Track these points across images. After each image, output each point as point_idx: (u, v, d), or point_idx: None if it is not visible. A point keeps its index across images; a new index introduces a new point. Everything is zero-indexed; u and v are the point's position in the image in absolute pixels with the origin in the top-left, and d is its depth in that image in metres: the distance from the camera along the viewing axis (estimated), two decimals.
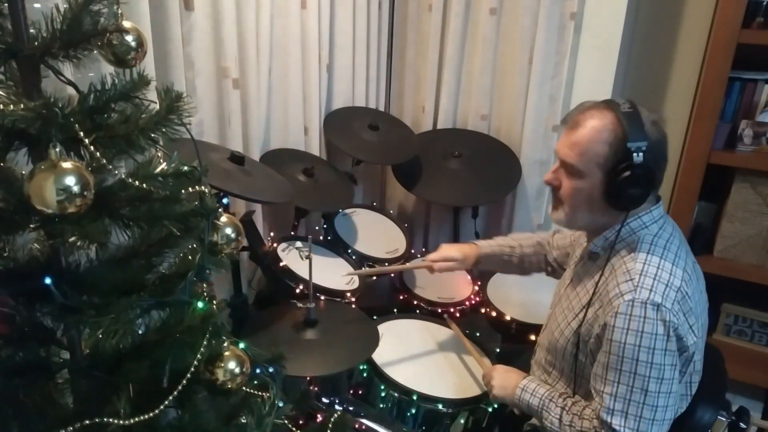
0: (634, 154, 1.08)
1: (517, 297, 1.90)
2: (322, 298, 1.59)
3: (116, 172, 0.74)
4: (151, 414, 0.78)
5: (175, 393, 0.81)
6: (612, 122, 1.11)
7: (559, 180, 1.19)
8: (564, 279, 1.39)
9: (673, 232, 1.18)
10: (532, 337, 1.72)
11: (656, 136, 1.11)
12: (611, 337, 1.09)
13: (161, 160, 0.78)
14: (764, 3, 1.79)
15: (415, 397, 1.46)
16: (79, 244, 0.73)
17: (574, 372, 1.24)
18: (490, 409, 1.50)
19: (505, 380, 1.34)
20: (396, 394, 1.49)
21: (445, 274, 2.08)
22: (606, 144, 1.11)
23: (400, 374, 1.52)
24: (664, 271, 1.10)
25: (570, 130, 1.16)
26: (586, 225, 1.25)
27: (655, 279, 1.08)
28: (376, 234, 2.03)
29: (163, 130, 0.76)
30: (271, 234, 1.89)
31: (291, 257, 1.70)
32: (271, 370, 1.02)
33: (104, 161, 0.71)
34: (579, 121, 1.15)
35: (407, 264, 1.89)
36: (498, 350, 1.74)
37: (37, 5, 0.73)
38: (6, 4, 0.66)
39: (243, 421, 0.94)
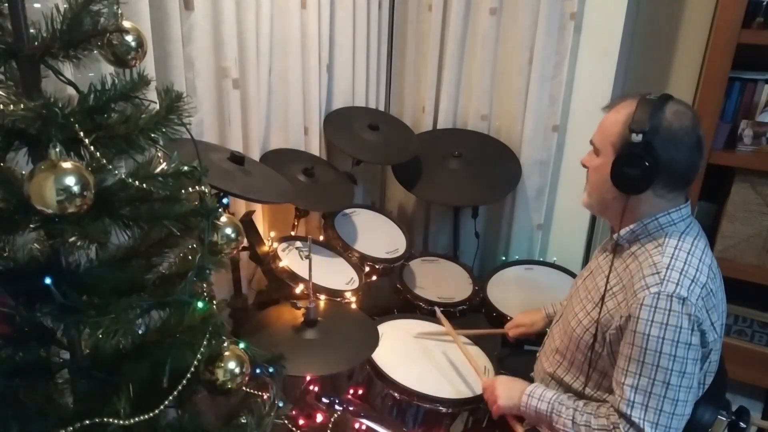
0: (633, 134, 1.11)
1: (517, 297, 1.90)
2: (322, 298, 1.59)
3: (116, 172, 0.74)
4: (151, 414, 0.78)
5: (175, 393, 0.81)
6: (632, 107, 1.15)
7: (590, 161, 1.26)
8: (583, 271, 1.40)
9: (700, 233, 1.20)
10: (533, 338, 1.72)
11: (674, 124, 1.12)
12: (635, 328, 1.09)
13: (161, 160, 0.78)
14: (764, 3, 1.79)
15: (415, 397, 1.46)
16: (79, 244, 0.73)
17: (589, 363, 1.23)
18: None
19: (510, 389, 1.31)
20: (396, 394, 1.49)
21: (444, 274, 2.10)
22: (620, 124, 1.16)
23: (400, 374, 1.52)
24: (691, 266, 1.11)
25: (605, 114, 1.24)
26: (600, 206, 1.27)
27: (682, 273, 1.10)
28: (376, 234, 2.03)
29: (163, 130, 0.76)
30: (271, 234, 1.89)
31: (291, 257, 1.70)
32: (271, 370, 1.02)
33: (104, 161, 0.71)
34: (612, 106, 1.22)
35: (485, 332, 1.82)
36: (497, 352, 1.74)
37: (37, 5, 0.73)
38: (6, 4, 0.67)
39: (243, 421, 0.94)
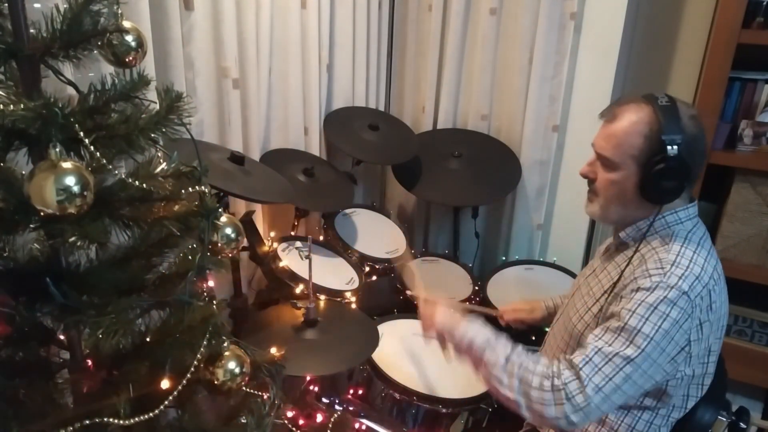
0: (669, 147, 1.08)
1: (517, 297, 1.90)
2: (322, 298, 1.59)
3: (116, 172, 0.74)
4: (151, 414, 0.78)
5: (175, 393, 0.81)
6: (648, 115, 1.12)
7: (595, 173, 1.21)
8: (586, 269, 1.39)
9: (705, 233, 1.19)
10: (533, 338, 1.72)
11: (693, 131, 1.11)
12: (625, 305, 1.08)
13: (161, 160, 0.78)
14: (764, 3, 1.79)
15: (415, 397, 1.46)
16: (79, 244, 0.73)
17: None
18: (490, 409, 1.50)
19: (452, 313, 1.25)
20: (396, 394, 1.49)
21: (444, 274, 2.10)
22: (641, 136, 1.12)
23: (400, 374, 1.52)
24: (696, 264, 1.10)
25: (607, 122, 1.18)
26: (620, 218, 1.23)
27: (687, 269, 1.09)
28: (376, 234, 2.03)
29: (163, 130, 0.76)
30: (271, 234, 1.89)
31: (291, 257, 1.70)
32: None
33: (104, 161, 0.71)
34: (616, 114, 1.16)
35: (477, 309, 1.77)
36: None
37: (37, 5, 0.73)
38: (6, 4, 0.66)
39: (243, 421, 0.94)
